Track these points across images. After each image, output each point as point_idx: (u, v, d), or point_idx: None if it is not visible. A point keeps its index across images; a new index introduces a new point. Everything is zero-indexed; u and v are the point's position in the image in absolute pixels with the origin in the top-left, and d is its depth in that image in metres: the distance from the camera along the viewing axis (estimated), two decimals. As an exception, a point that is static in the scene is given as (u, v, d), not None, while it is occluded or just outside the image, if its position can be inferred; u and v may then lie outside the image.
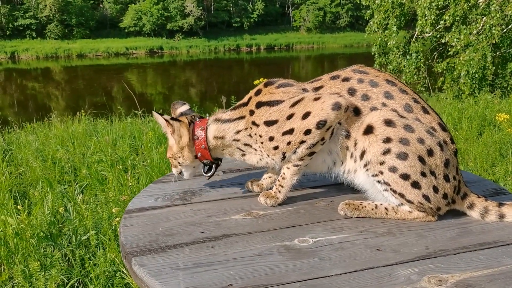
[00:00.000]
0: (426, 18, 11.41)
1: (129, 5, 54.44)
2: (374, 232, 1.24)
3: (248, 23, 58.50)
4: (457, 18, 10.32)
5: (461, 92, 11.19)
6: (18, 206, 2.85)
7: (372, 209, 1.32)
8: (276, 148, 1.39)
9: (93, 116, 6.72)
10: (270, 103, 1.39)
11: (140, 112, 6.00)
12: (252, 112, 1.42)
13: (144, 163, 4.03)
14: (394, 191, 1.27)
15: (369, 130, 1.29)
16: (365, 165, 1.30)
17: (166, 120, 1.45)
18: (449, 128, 5.20)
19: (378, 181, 1.29)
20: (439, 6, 11.14)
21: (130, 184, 3.45)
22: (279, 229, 1.27)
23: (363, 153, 1.30)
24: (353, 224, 1.29)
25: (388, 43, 12.81)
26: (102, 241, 2.62)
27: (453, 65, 11.22)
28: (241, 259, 1.12)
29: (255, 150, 1.45)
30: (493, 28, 9.87)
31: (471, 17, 10.35)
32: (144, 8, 52.75)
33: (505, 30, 10.35)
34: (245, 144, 1.46)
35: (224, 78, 29.14)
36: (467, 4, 10.09)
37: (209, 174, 1.53)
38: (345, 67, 1.43)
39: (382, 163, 1.26)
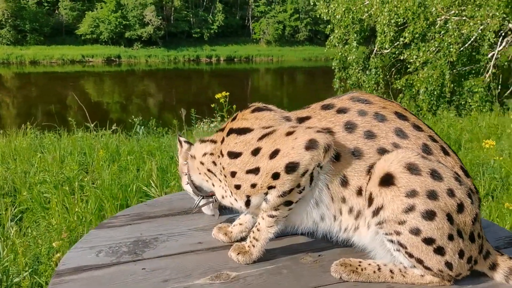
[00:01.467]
0: (385, 34, 11.54)
1: (86, 12, 53.03)
2: (379, 304, 0.98)
3: (208, 34, 58.30)
4: (416, 36, 10.45)
5: (419, 109, 11.34)
6: None
7: (374, 271, 1.05)
8: (238, 187, 1.12)
9: (40, 129, 6.20)
10: (239, 131, 1.15)
11: (92, 125, 5.56)
12: (222, 140, 1.19)
13: (94, 184, 3.63)
14: (411, 255, 1.01)
15: (388, 180, 1.01)
16: (379, 223, 1.03)
17: (179, 141, 1.38)
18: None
19: (391, 240, 1.02)
20: (398, 23, 11.30)
21: (77, 209, 3.07)
22: (258, 301, 0.98)
23: (378, 210, 1.02)
24: (350, 289, 1.02)
25: (348, 58, 12.89)
26: (39, 284, 2.23)
27: (411, 81, 11.36)
28: None
29: (220, 181, 1.20)
30: (451, 46, 10.05)
31: (430, 35, 10.51)
32: (102, 16, 51.49)
33: (462, 48, 10.58)
34: (209, 171, 1.23)
35: (184, 89, 28.68)
36: (426, 22, 10.23)
37: (195, 205, 1.34)
38: (335, 94, 1.16)
39: (402, 223, 0.99)
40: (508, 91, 11.77)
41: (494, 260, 1.07)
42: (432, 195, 0.98)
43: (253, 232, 1.15)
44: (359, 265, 1.06)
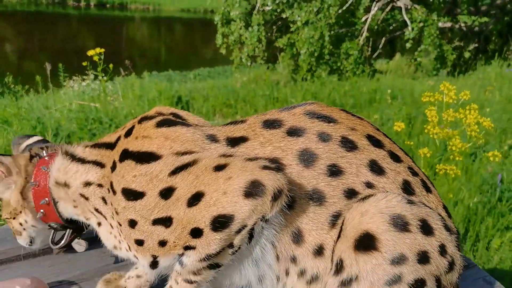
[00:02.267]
0: (268, -9, 11.39)
1: None
2: None
3: (75, -25, 53.04)
4: (299, -5, 10.45)
5: (299, 68, 11.55)
6: None
7: None
8: (139, 243, 0.77)
9: None
10: (139, 157, 0.77)
11: None
12: (114, 165, 0.78)
13: None
14: None
15: (368, 243, 0.73)
16: None
17: None
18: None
19: None
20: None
21: None
22: None
23: (350, 281, 0.73)
24: None
25: (231, 13, 12.55)
26: None
27: (293, 41, 11.45)
28: None
29: (111, 227, 0.83)
30: (331, 8, 10.25)
31: (312, -5, 10.60)
32: None
33: (339, 11, 10.87)
34: (97, 210, 0.83)
35: (48, 36, 25.75)
36: (308, -18, 10.25)
37: (60, 244, 0.95)
38: (283, 110, 0.82)
39: None
40: (376, 53, 12.56)
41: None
42: (423, 258, 0.73)
43: None
44: None
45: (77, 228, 0.94)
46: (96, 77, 5.13)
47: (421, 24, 10.43)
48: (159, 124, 0.79)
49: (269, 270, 0.81)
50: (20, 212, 0.88)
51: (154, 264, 0.78)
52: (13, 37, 24.79)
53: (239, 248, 0.75)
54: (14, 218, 0.89)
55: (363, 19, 11.38)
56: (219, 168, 0.71)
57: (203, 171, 0.71)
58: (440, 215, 0.79)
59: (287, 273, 0.80)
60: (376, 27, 12.05)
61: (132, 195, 0.75)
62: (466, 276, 1.00)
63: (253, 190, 0.69)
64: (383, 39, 12.20)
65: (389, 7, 11.41)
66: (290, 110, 0.81)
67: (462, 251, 0.84)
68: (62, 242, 0.94)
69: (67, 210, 0.89)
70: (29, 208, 0.88)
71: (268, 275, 0.81)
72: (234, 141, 0.79)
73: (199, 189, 0.71)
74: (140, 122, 0.81)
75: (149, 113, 0.84)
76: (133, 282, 0.88)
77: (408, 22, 10.88)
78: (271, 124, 0.79)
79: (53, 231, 0.94)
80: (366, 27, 11.39)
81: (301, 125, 0.78)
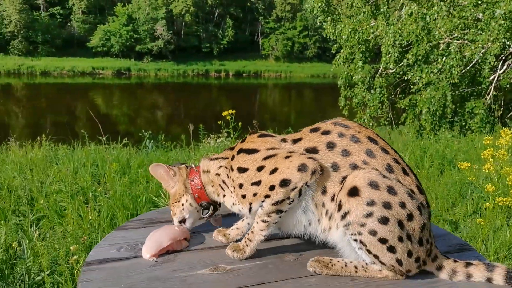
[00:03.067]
0: (390, 55, 11.81)
1: (98, 25, 53.92)
2: (343, 292, 1.22)
3: (217, 49, 58.94)
4: (419, 57, 10.72)
5: (422, 128, 11.56)
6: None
7: (342, 267, 1.30)
8: (244, 196, 1.38)
9: (54, 141, 6.51)
10: (248, 151, 1.41)
11: (104, 138, 5.85)
12: (233, 157, 1.45)
13: (106, 195, 3.90)
14: (369, 252, 1.26)
15: (354, 192, 1.26)
16: (346, 225, 1.28)
17: (167, 166, 1.55)
18: (412, 166, 5.32)
19: (355, 240, 1.27)
20: (402, 45, 11.58)
21: (91, 218, 3.33)
22: (247, 287, 1.23)
23: (345, 214, 1.27)
24: (322, 281, 1.27)
25: (354, 77, 13.14)
26: (58, 282, 2.48)
27: (415, 102, 11.61)
28: (206, 322, 1.07)
29: (231, 192, 1.46)
30: (453, 68, 10.30)
31: (432, 57, 10.78)
32: (113, 29, 52.35)
33: (463, 70, 10.83)
34: (224, 182, 1.48)
35: (192, 103, 29.07)
36: (429, 45, 10.51)
37: (206, 215, 1.57)
38: (324, 119, 1.42)
39: (363, 225, 1.24)
40: (511, 113, 11.99)
41: (441, 262, 1.31)
42: (386, 205, 1.23)
43: (248, 234, 1.40)
44: (330, 262, 1.31)
45: (214, 206, 1.59)
46: (228, 134, 6.02)
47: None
48: (260, 136, 1.45)
49: (313, 215, 1.35)
50: (183, 196, 1.56)
51: (250, 209, 1.38)
52: (165, 104, 28.52)
53: (293, 201, 1.31)
54: (178, 201, 1.57)
55: (491, 78, 11.14)
56: (287, 157, 1.32)
57: (279, 158, 1.33)
58: (412, 190, 1.28)
59: (321, 216, 1.34)
60: (507, 85, 11.62)
61: (242, 170, 1.38)
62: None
63: (302, 168, 1.28)
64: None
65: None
66: (325, 122, 1.40)
67: (428, 219, 1.30)
68: (208, 213, 1.59)
69: (209, 190, 1.53)
70: (189, 193, 1.57)
71: (313, 219, 1.36)
72: (295, 140, 1.40)
73: (276, 166, 1.32)
74: (250, 135, 1.48)
75: (253, 131, 1.50)
76: (234, 231, 1.51)
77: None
78: (313, 130, 1.40)
79: (202, 209, 1.60)
80: (493, 85, 11.11)
81: (329, 129, 1.37)
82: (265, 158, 1.36)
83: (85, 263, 1.34)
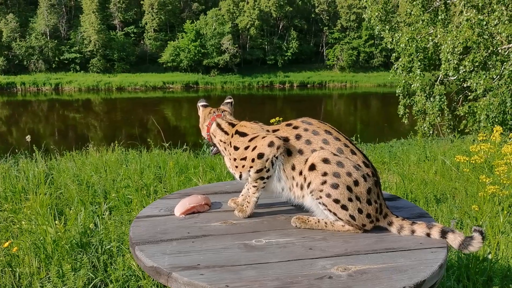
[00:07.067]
0: (449, 62, 11.75)
1: (168, 42, 56.77)
2: (313, 238, 1.69)
3: (282, 61, 59.70)
4: (476, 64, 10.63)
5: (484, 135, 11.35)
6: (56, 221, 3.40)
7: (315, 222, 1.76)
8: (236, 167, 1.89)
9: (125, 147, 7.37)
10: (240, 134, 1.91)
11: (167, 144, 6.59)
12: (232, 135, 1.95)
13: (165, 189, 4.55)
14: (330, 211, 1.71)
15: (312, 167, 1.72)
16: (311, 192, 1.74)
17: (202, 104, 2.13)
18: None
19: (319, 203, 1.73)
20: (461, 52, 11.49)
21: (151, 206, 3.96)
22: (244, 233, 1.73)
23: (309, 184, 1.73)
24: (300, 232, 1.74)
25: (412, 86, 13.14)
26: (123, 250, 3.11)
27: (474, 108, 11.47)
28: (211, 250, 1.58)
29: (229, 159, 1.96)
30: (513, 74, 10.13)
31: (490, 63, 10.64)
32: (183, 45, 54.86)
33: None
34: (224, 149, 1.99)
35: (257, 114, 29.83)
36: (486, 51, 10.41)
37: (212, 151, 2.09)
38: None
39: (321, 191, 1.70)
40: None
41: (391, 220, 1.74)
42: (336, 175, 1.68)
43: (246, 198, 1.90)
44: (307, 219, 1.78)
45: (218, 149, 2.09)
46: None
47: None
48: (250, 123, 1.95)
49: (285, 184, 1.81)
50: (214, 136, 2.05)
51: (240, 176, 1.87)
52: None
53: (269, 170, 1.78)
54: (215, 137, 2.05)
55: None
56: (263, 137, 1.80)
57: (258, 139, 1.81)
58: (358, 164, 1.71)
59: (292, 186, 1.80)
60: None
61: (236, 148, 1.88)
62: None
63: (271, 144, 1.75)
64: None
65: None
66: (297, 120, 1.86)
67: (375, 185, 1.72)
68: (214, 150, 2.06)
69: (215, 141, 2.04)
70: (206, 132, 2.06)
71: (285, 187, 1.81)
72: (274, 131, 1.86)
73: (255, 145, 1.80)
74: (243, 121, 1.98)
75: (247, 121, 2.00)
76: (240, 198, 2.00)
77: None
78: (288, 125, 1.85)
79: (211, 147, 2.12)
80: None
81: (298, 125, 1.82)
82: (250, 140, 1.85)
83: (136, 217, 1.90)
